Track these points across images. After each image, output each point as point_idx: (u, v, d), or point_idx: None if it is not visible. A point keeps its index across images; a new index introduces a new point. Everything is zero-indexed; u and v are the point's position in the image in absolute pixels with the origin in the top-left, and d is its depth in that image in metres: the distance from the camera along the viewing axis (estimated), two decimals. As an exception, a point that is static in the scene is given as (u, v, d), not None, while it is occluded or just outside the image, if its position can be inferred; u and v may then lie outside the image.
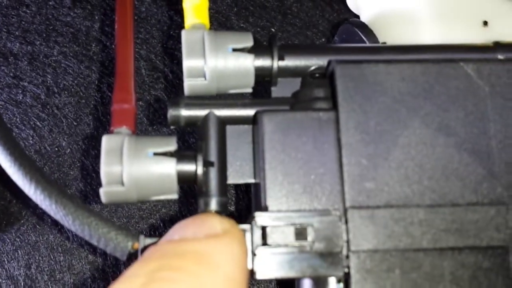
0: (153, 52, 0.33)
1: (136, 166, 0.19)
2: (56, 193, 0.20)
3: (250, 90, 0.21)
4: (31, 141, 0.33)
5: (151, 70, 0.33)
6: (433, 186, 0.19)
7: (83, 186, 0.32)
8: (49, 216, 0.22)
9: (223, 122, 0.21)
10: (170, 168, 0.19)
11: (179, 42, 0.25)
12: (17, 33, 0.34)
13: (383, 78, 0.20)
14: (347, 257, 0.19)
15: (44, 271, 0.30)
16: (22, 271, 0.30)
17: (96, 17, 0.34)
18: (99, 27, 0.34)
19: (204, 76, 0.20)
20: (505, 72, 0.21)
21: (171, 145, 0.20)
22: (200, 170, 0.20)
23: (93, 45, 0.34)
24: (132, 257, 0.20)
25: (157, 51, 0.33)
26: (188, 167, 0.20)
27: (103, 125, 0.33)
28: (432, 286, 0.19)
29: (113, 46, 0.33)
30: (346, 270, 0.19)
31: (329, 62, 0.21)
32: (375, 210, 0.19)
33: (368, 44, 0.24)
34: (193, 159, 0.20)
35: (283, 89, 0.22)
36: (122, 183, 0.19)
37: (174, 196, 0.20)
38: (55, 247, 0.31)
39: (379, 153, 0.20)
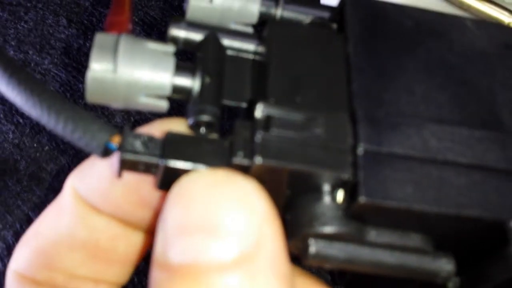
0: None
1: (133, 53, 0.19)
2: (18, 73, 0.19)
3: (250, 29, 0.22)
4: (11, 135, 0.33)
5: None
6: (441, 107, 0.20)
7: (57, 183, 0.32)
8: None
9: (224, 47, 0.21)
10: (168, 65, 0.20)
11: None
12: (12, 42, 0.36)
13: (391, 13, 0.21)
14: (356, 157, 0.18)
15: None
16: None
17: (89, 37, 0.36)
18: (91, 46, 0.36)
19: (209, 0, 0.21)
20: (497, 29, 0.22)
21: (169, 47, 0.20)
22: (198, 76, 0.20)
23: (83, 59, 0.36)
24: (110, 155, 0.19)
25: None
26: (185, 70, 0.20)
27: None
28: (446, 199, 0.18)
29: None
30: (350, 175, 0.18)
31: None
32: (387, 119, 0.19)
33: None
34: (191, 69, 0.20)
35: None
36: (115, 70, 0.20)
37: (163, 104, 0.20)
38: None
39: (388, 72, 0.20)
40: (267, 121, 0.19)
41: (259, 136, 0.18)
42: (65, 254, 0.22)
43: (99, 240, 0.22)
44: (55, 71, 0.35)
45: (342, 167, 0.18)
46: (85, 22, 0.37)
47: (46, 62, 0.35)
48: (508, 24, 0.29)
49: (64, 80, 0.35)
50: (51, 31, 0.37)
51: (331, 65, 0.20)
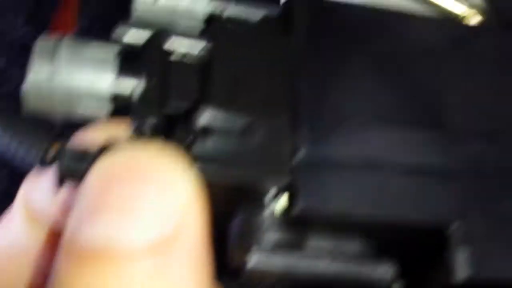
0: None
1: (72, 58, 0.19)
2: None
3: (198, 29, 0.21)
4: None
5: None
6: (386, 107, 0.20)
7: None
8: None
9: (169, 48, 0.20)
10: (108, 71, 0.19)
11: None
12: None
13: (339, 12, 0.21)
14: (296, 163, 0.18)
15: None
16: None
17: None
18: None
19: (155, 1, 0.20)
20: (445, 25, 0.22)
21: (112, 49, 0.20)
22: (141, 79, 0.19)
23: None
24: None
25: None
26: (128, 73, 0.19)
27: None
28: (387, 204, 0.18)
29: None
30: (288, 181, 0.18)
31: None
32: (330, 122, 0.19)
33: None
34: (134, 72, 0.19)
35: None
36: (52, 78, 0.19)
37: (105, 109, 0.20)
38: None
39: (334, 72, 0.20)
40: (206, 128, 0.18)
41: (196, 146, 0.18)
42: (10, 267, 0.21)
43: None
44: (12, 72, 0.35)
45: (281, 174, 0.18)
46: (44, 20, 0.36)
47: (2, 62, 0.35)
48: (461, 16, 0.28)
49: (21, 81, 0.34)
50: (8, 29, 0.36)
51: (276, 65, 0.20)
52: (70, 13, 0.21)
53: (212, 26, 0.21)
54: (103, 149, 0.19)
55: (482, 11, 0.29)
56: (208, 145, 0.18)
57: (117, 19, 0.21)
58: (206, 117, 0.18)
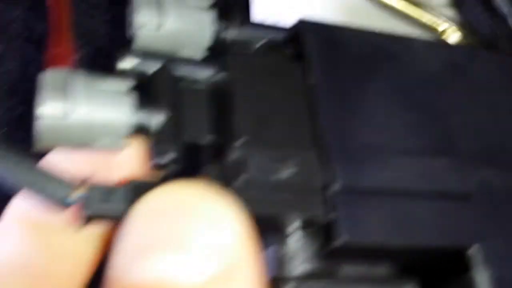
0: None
1: (89, 93, 0.18)
2: None
3: (203, 54, 0.21)
4: None
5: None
6: (403, 136, 0.20)
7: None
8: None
9: (178, 78, 0.20)
10: (126, 105, 0.18)
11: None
12: None
13: (349, 39, 0.21)
14: (329, 195, 0.18)
15: None
16: None
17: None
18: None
19: (158, 27, 0.20)
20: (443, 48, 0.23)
21: (126, 83, 0.19)
22: (159, 117, 0.19)
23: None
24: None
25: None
26: (144, 108, 0.19)
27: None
28: (417, 231, 0.19)
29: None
30: (323, 215, 0.18)
31: (297, 23, 0.21)
32: (358, 154, 0.19)
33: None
34: (149, 106, 0.19)
35: None
36: (67, 115, 0.18)
37: (121, 145, 0.19)
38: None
39: (352, 103, 0.20)
40: (238, 166, 0.18)
41: (232, 182, 0.18)
42: (15, 279, 0.19)
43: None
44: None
45: (315, 208, 0.18)
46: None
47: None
48: (442, 32, 0.30)
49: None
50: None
51: (293, 97, 0.20)
52: (66, 45, 0.20)
53: (228, 59, 0.20)
54: (137, 187, 0.18)
55: (460, 28, 0.30)
56: (240, 180, 0.18)
57: (115, 49, 0.21)
58: (233, 153, 0.18)
